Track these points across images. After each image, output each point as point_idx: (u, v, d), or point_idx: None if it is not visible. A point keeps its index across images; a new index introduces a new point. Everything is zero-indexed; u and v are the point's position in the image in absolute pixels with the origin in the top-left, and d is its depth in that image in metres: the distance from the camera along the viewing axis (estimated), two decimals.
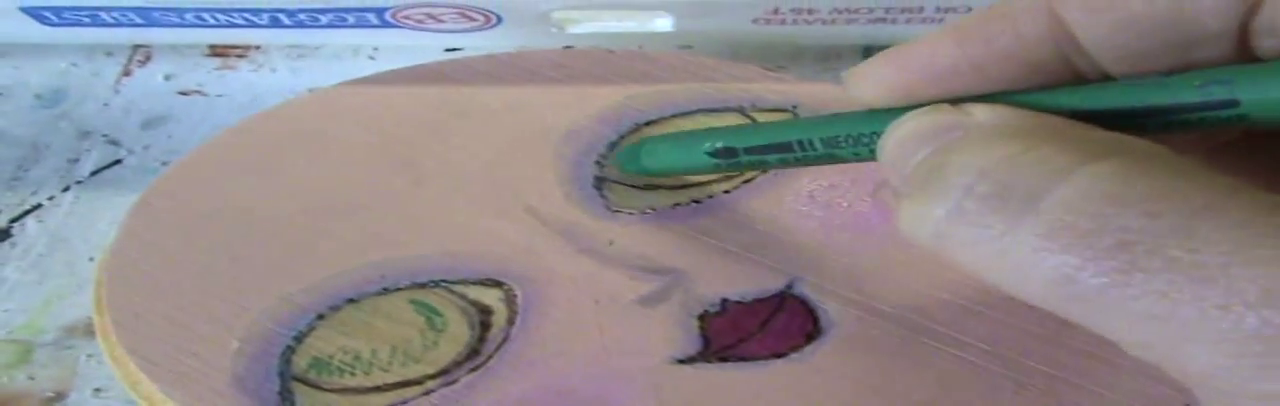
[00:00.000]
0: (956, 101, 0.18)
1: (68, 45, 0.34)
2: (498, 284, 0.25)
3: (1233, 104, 0.16)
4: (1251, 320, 0.13)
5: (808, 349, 0.24)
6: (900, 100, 0.18)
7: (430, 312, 0.24)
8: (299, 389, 0.23)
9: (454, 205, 0.26)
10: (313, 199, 0.26)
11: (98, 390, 0.26)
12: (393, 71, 0.29)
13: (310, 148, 0.27)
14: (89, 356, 0.27)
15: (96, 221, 0.30)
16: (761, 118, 0.28)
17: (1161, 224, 0.13)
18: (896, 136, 0.18)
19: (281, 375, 0.23)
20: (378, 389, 0.23)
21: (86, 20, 0.32)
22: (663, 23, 0.32)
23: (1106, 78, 0.18)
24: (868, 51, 0.34)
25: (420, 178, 0.27)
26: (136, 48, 0.35)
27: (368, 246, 0.25)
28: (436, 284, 0.25)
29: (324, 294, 0.24)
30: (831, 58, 0.34)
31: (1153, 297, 0.13)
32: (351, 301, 0.24)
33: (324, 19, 0.32)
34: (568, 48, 0.32)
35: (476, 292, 0.24)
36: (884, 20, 0.31)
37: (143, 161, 0.31)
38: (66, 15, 0.32)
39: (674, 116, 0.28)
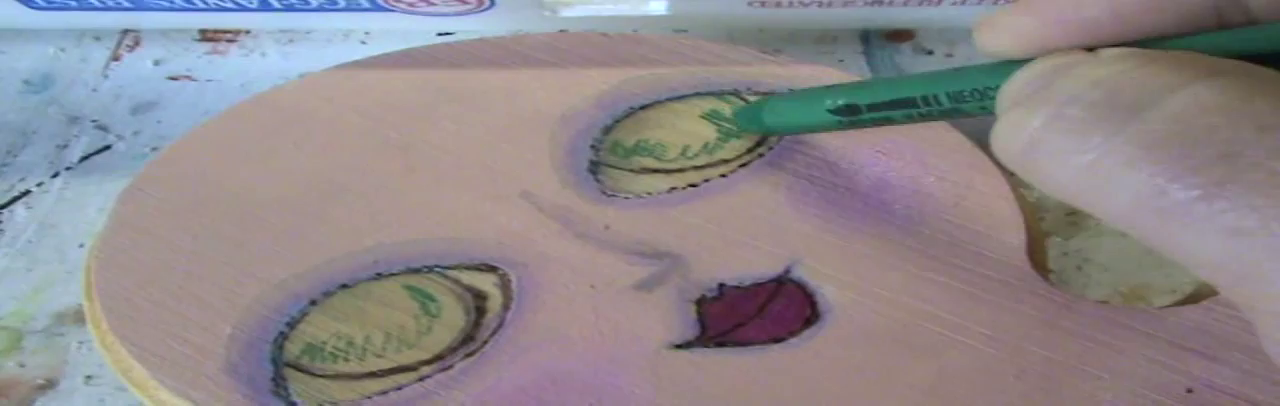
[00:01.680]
0: (1092, 49, 0.17)
1: (56, 30, 0.34)
2: (492, 269, 0.24)
3: None
4: None
5: (805, 333, 0.23)
6: (1036, 51, 0.18)
7: (424, 298, 0.24)
8: (292, 375, 0.22)
9: (448, 190, 0.26)
10: (305, 184, 0.26)
11: (89, 377, 0.26)
12: (385, 55, 0.29)
13: (302, 133, 0.27)
14: (80, 343, 0.26)
15: (86, 207, 0.29)
16: None
17: (1271, 137, 0.13)
18: (1021, 76, 0.17)
19: (274, 361, 0.23)
20: (372, 374, 0.23)
21: (74, 4, 0.32)
22: (657, 5, 0.32)
23: (1253, 24, 0.17)
24: (865, 35, 0.34)
25: (413, 162, 0.26)
26: (125, 32, 0.34)
27: (361, 232, 0.25)
28: (431, 269, 0.24)
29: (317, 279, 0.24)
30: (828, 41, 0.34)
31: (1244, 211, 0.13)
32: (345, 287, 0.24)
33: (314, 2, 0.31)
34: (562, 31, 0.32)
35: (471, 278, 0.24)
36: (880, 3, 0.31)
37: (132, 147, 0.31)
38: None
39: (669, 100, 0.28)
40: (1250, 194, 0.13)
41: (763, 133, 0.26)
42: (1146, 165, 0.14)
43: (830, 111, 0.22)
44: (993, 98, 0.19)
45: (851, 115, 0.22)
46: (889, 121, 0.21)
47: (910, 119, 0.21)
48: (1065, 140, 0.15)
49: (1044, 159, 0.15)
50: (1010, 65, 0.18)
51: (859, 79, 0.23)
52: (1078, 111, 0.15)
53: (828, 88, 0.23)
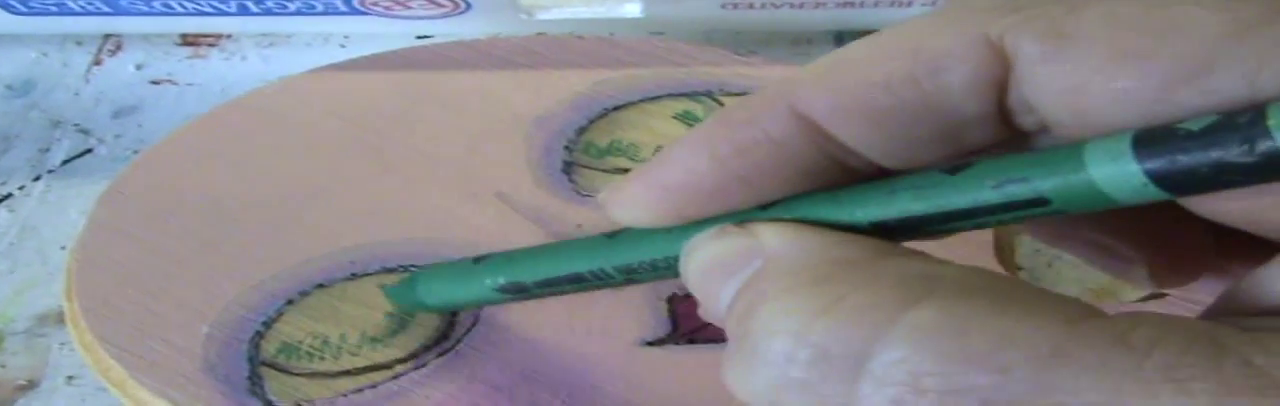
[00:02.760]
0: (740, 219, 0.16)
1: (38, 35, 0.34)
2: None
3: (1042, 202, 0.14)
4: None
5: None
6: (673, 221, 0.17)
7: (399, 298, 0.24)
8: (268, 373, 0.23)
9: (424, 191, 0.26)
10: (283, 186, 0.26)
11: (70, 378, 0.26)
12: (363, 58, 0.29)
13: (280, 135, 0.27)
14: (61, 344, 0.27)
15: (67, 210, 0.30)
16: (730, 102, 0.28)
17: (1016, 380, 0.12)
18: (694, 269, 0.16)
19: (251, 360, 0.23)
20: (347, 373, 0.23)
21: (55, 9, 0.32)
22: (632, 8, 0.32)
23: (883, 172, 0.16)
24: (840, 37, 0.34)
25: (390, 164, 0.27)
26: (107, 37, 0.34)
27: (338, 232, 0.25)
28: (406, 268, 0.25)
29: (293, 280, 0.24)
30: (803, 43, 0.34)
31: None
32: (321, 287, 0.24)
33: (292, 6, 0.32)
34: (538, 34, 0.32)
35: None
36: (853, 5, 0.32)
37: (114, 151, 0.31)
38: (34, 4, 0.32)
39: (642, 101, 0.28)
40: None
41: (422, 310, 0.23)
42: None
43: (494, 289, 0.20)
44: (666, 267, 0.17)
45: (519, 292, 0.20)
46: (563, 293, 0.20)
47: (587, 290, 0.19)
48: (806, 401, 0.14)
49: None
50: (667, 233, 0.17)
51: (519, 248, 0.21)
52: (799, 372, 0.14)
53: (486, 261, 0.21)
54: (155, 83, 0.33)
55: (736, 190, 0.16)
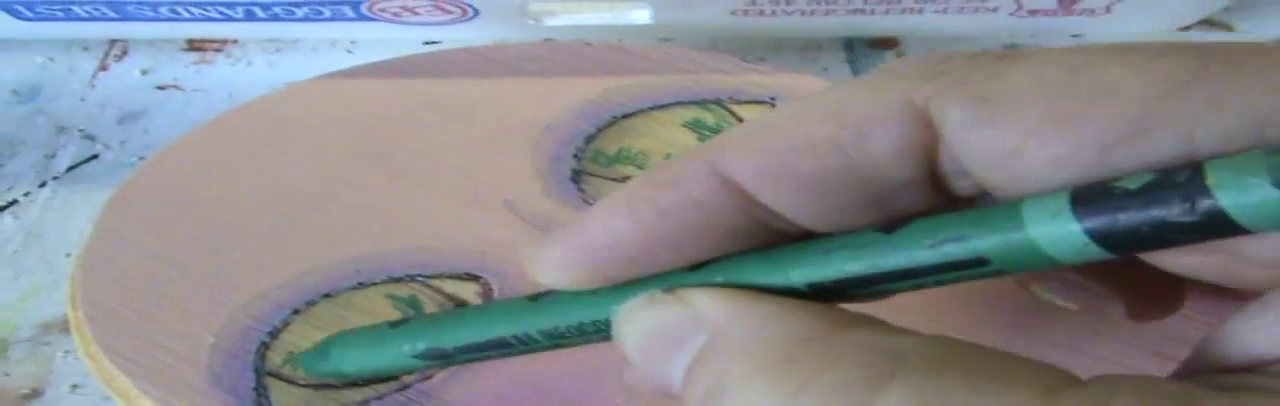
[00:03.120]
0: (669, 284, 0.16)
1: (43, 40, 0.34)
2: (474, 278, 0.24)
3: (981, 262, 0.14)
4: None
5: None
6: (597, 283, 0.17)
7: (406, 307, 0.24)
8: (273, 384, 0.23)
9: (431, 199, 0.26)
10: (289, 194, 0.26)
11: (74, 386, 0.26)
12: (370, 65, 0.29)
13: (286, 142, 0.27)
14: (66, 353, 0.27)
15: (73, 217, 0.29)
16: (741, 110, 0.28)
17: None
18: (633, 341, 0.16)
19: (256, 370, 0.23)
20: (353, 384, 0.23)
21: (61, 15, 0.32)
22: (641, 14, 0.32)
23: (811, 235, 0.16)
24: (849, 43, 0.34)
25: (397, 172, 0.27)
26: (113, 42, 0.34)
27: (344, 241, 0.25)
28: (412, 278, 0.24)
29: (300, 289, 0.24)
30: (813, 49, 0.34)
31: None
32: (327, 296, 0.24)
33: (299, 12, 0.31)
34: (547, 40, 0.32)
35: (453, 287, 0.24)
36: (863, 11, 0.31)
37: (119, 157, 0.31)
38: (41, 9, 0.32)
39: (652, 109, 0.28)
40: None
41: (337, 378, 0.22)
42: None
43: (414, 356, 0.19)
44: (596, 331, 0.17)
45: (441, 358, 0.19)
46: (487, 358, 0.19)
47: (513, 355, 0.19)
48: None
49: None
50: (594, 296, 0.17)
51: (440, 311, 0.20)
52: None
53: (404, 326, 0.20)
54: (161, 88, 0.33)
55: (661, 252, 0.16)
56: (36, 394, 0.26)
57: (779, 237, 0.16)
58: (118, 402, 0.23)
